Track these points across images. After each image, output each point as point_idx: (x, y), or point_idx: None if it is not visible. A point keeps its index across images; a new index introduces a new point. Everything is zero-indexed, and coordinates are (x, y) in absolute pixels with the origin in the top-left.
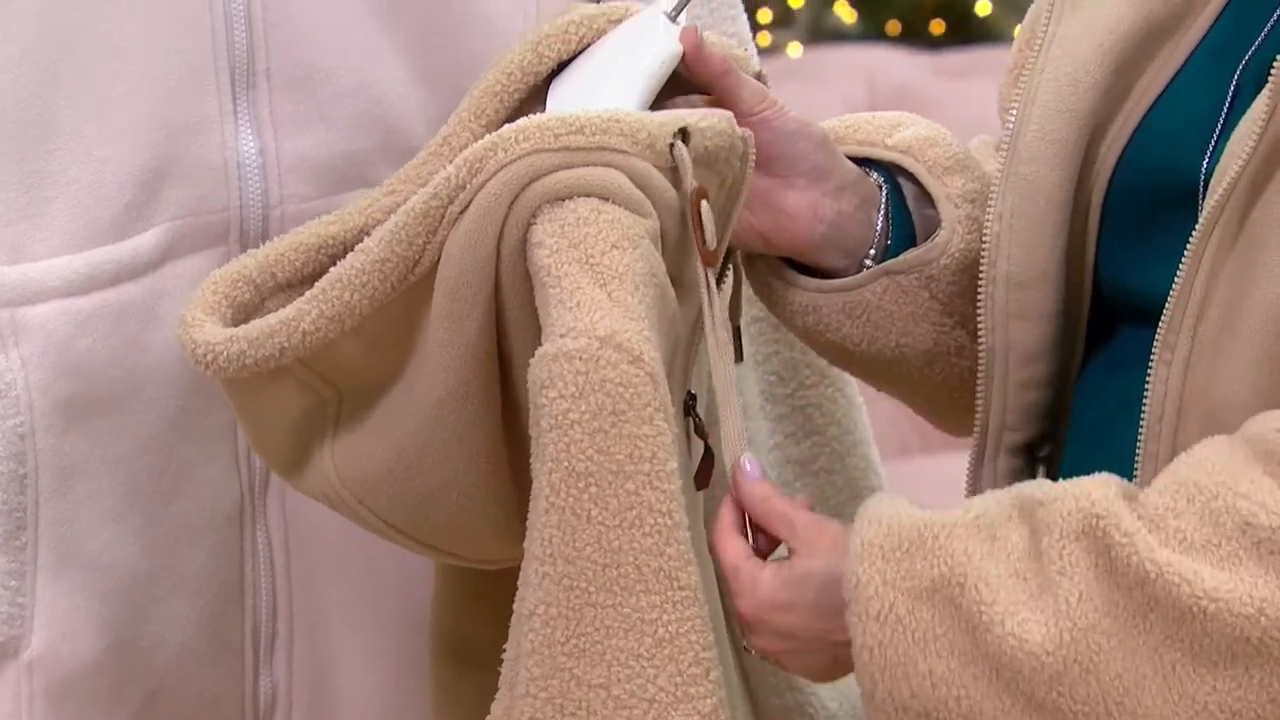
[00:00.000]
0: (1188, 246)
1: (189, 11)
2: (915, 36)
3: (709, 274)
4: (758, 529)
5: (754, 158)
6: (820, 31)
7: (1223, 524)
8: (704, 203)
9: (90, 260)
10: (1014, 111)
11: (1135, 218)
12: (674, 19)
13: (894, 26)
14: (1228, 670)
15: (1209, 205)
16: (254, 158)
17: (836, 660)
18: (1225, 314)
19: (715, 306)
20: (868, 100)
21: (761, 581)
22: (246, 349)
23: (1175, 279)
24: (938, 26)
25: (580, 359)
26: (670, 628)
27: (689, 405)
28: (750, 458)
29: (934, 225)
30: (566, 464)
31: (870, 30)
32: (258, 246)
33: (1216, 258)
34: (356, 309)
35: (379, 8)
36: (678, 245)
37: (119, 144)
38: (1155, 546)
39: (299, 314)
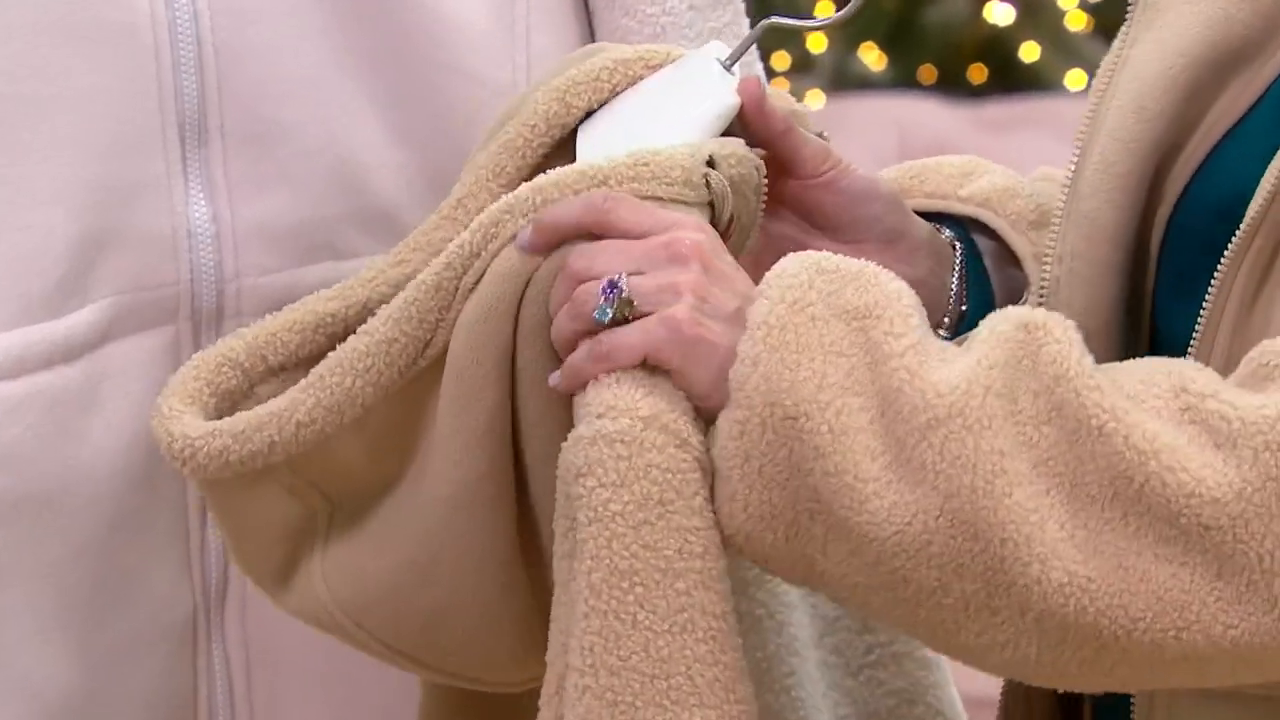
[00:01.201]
0: (1212, 281)
1: (131, 59)
2: (952, 85)
3: None
4: None
5: (766, 189)
6: (845, 79)
7: (1158, 383)
8: None
9: (20, 340)
10: (1080, 143)
11: (1189, 264)
12: (729, 68)
13: (928, 73)
14: (1097, 497)
15: (1239, 232)
16: (206, 225)
17: (729, 325)
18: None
19: None
20: (898, 155)
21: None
22: (231, 444)
23: (1198, 320)
24: (978, 73)
25: (622, 442)
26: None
27: None
28: None
29: (1018, 286)
30: (609, 562)
31: (901, 77)
32: (211, 325)
33: (1244, 296)
34: (359, 398)
35: (348, 55)
36: None
37: (51, 210)
38: (1088, 366)
39: (293, 404)
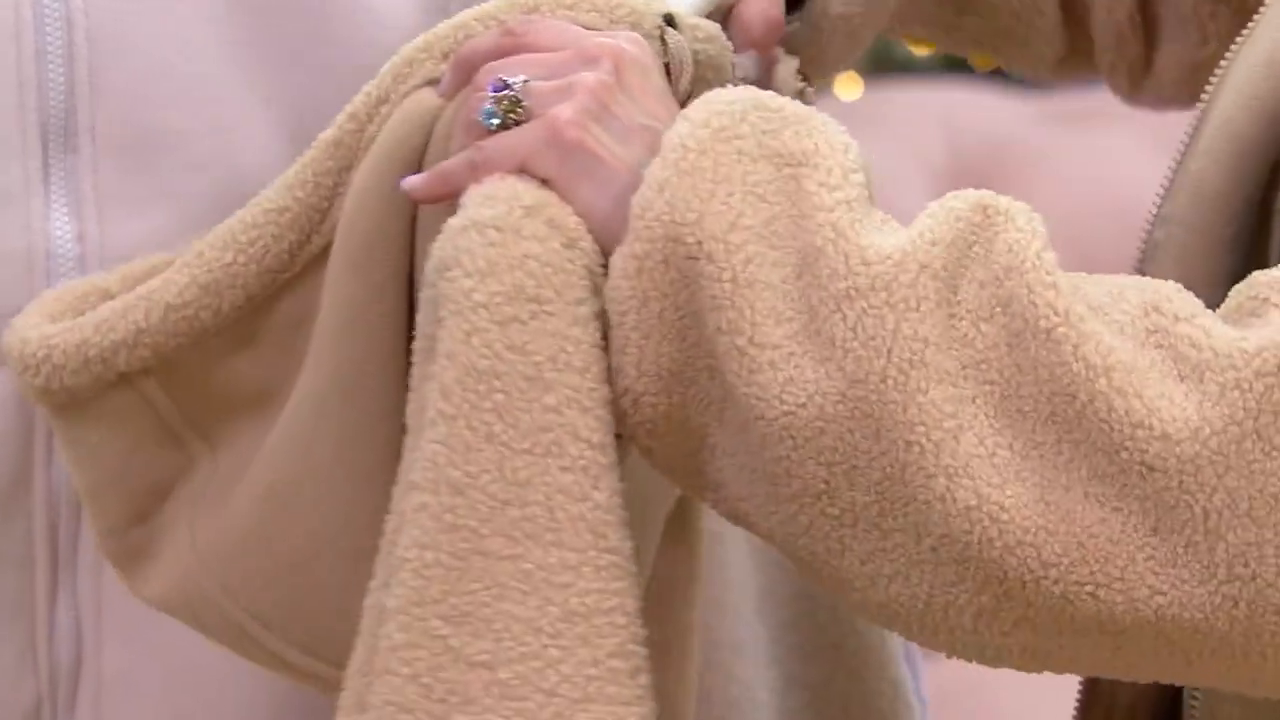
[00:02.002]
0: None
1: None
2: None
3: None
4: None
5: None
6: (885, 64)
7: (1128, 297)
8: None
9: None
10: (1205, 98)
11: None
12: None
13: (983, 58)
14: (1030, 413)
15: None
16: (69, 245)
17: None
18: None
19: None
20: (947, 155)
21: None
22: (91, 336)
23: None
24: None
25: (496, 228)
26: (588, 600)
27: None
28: None
29: None
30: (465, 359)
31: (952, 62)
32: None
33: None
34: (240, 279)
35: (249, 50)
36: None
37: None
38: (1047, 261)
39: (164, 284)
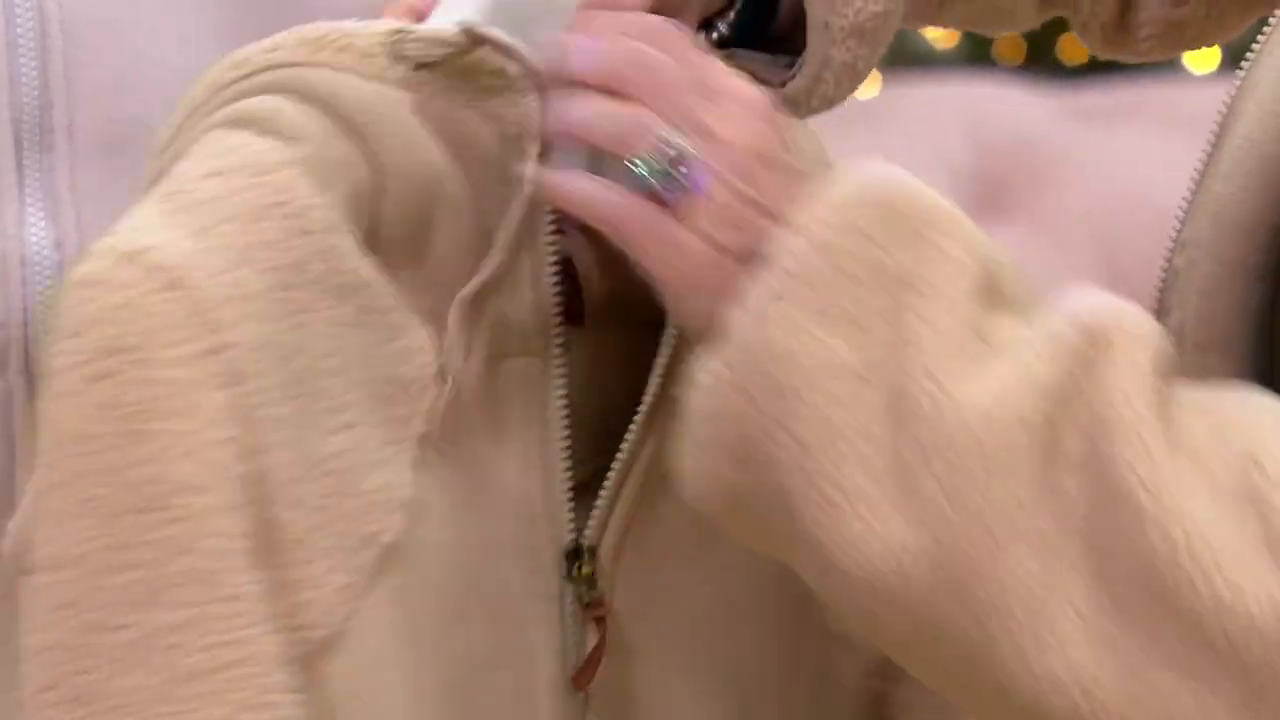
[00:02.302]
0: None
1: None
2: (1039, 65)
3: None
4: None
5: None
6: (904, 58)
7: (1233, 441)
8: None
9: None
10: (1223, 111)
11: None
12: None
13: (1010, 49)
14: (1123, 579)
15: None
16: (47, 252)
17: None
18: None
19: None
20: (968, 153)
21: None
22: None
23: None
24: (1073, 50)
25: (88, 284)
26: (209, 655)
27: (577, 550)
28: None
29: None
30: (58, 426)
31: (975, 55)
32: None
33: None
34: None
35: (236, 41)
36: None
37: None
38: (1144, 406)
39: None
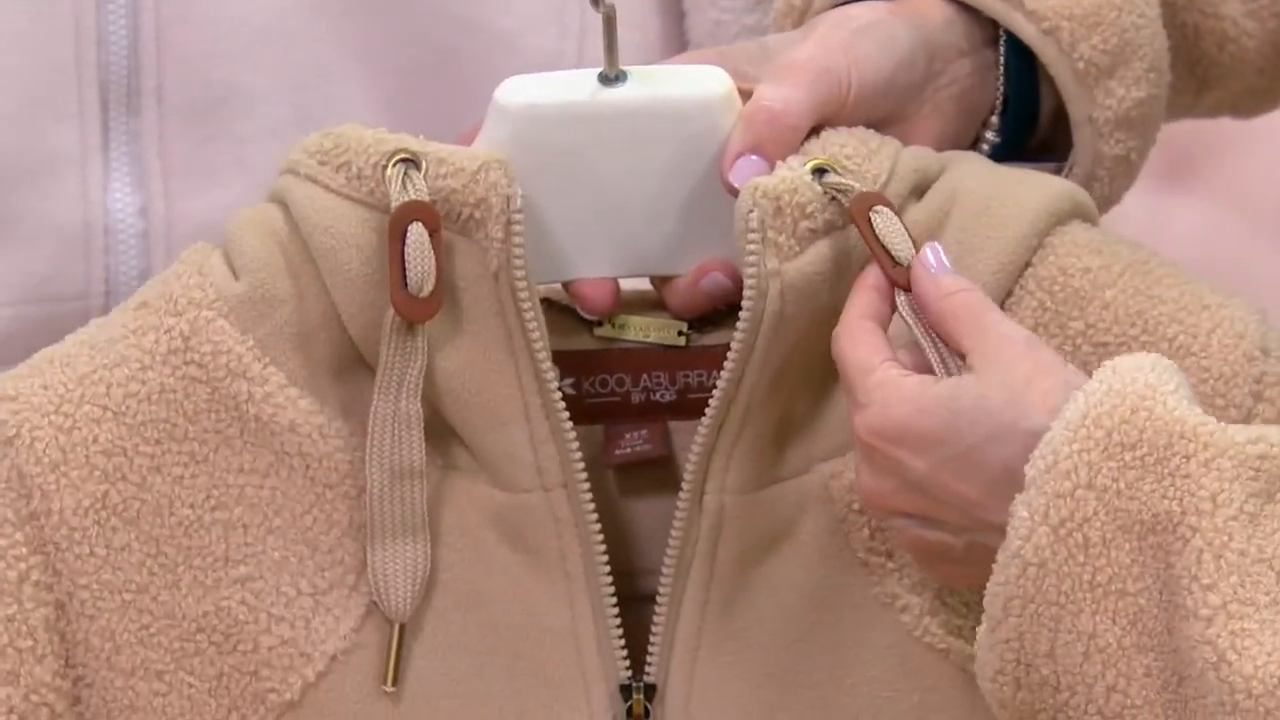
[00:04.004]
0: None
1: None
2: None
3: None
4: (914, 346)
5: (519, 221)
6: None
7: None
8: (419, 230)
9: None
10: None
11: None
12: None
13: None
14: None
15: None
16: (131, 220)
17: (968, 553)
18: None
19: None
20: None
21: (904, 390)
22: None
23: None
24: None
25: None
26: None
27: (633, 687)
28: (938, 246)
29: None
30: None
31: None
32: None
33: None
34: None
35: (331, 2)
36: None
37: None
38: None
39: None
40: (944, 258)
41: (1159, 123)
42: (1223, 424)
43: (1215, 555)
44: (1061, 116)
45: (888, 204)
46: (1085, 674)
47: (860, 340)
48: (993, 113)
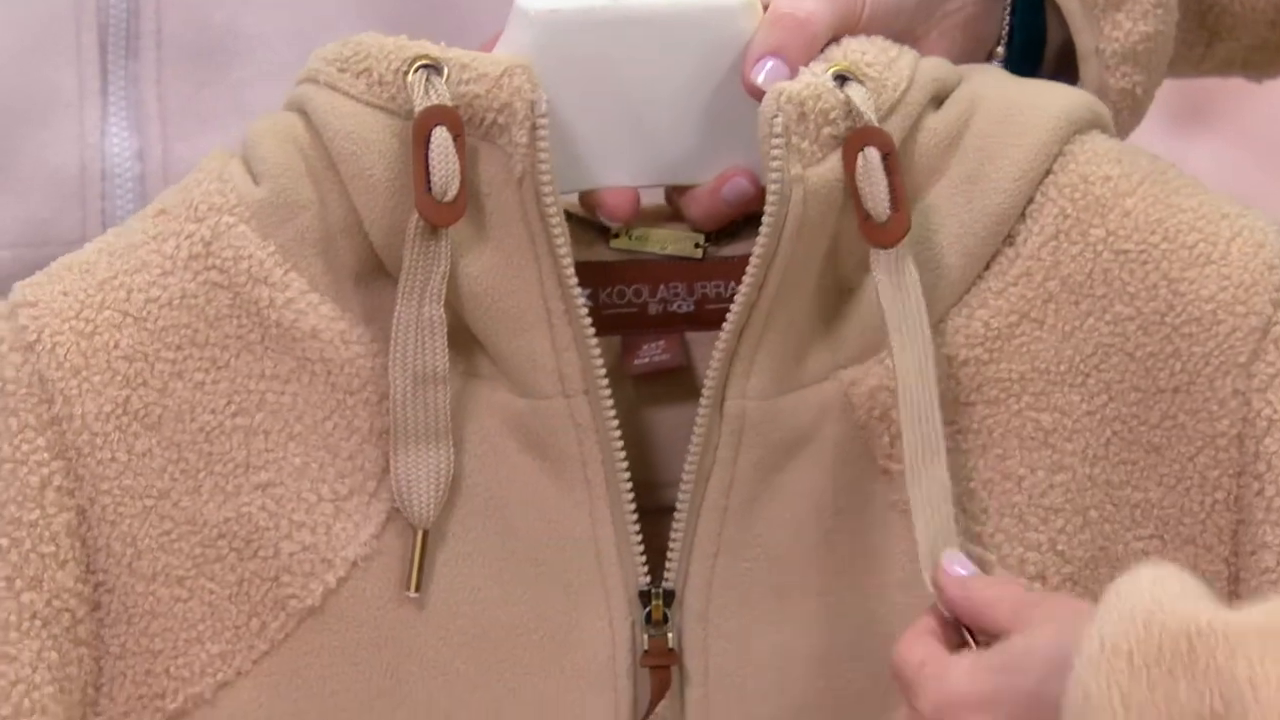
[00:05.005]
0: None
1: None
2: None
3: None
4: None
5: (544, 126)
6: None
7: None
8: (442, 134)
9: None
10: None
11: None
12: None
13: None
14: None
15: None
16: (129, 163)
17: None
18: None
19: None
20: None
21: (955, 669)
22: None
23: None
24: None
25: None
26: None
27: (651, 593)
28: (958, 556)
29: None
30: None
31: None
32: None
33: None
34: None
35: None
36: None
37: None
38: None
39: None
40: (968, 565)
41: (1165, 61)
42: (1235, 610)
43: None
44: (1066, 55)
45: (885, 143)
46: None
47: (911, 647)
48: (998, 43)
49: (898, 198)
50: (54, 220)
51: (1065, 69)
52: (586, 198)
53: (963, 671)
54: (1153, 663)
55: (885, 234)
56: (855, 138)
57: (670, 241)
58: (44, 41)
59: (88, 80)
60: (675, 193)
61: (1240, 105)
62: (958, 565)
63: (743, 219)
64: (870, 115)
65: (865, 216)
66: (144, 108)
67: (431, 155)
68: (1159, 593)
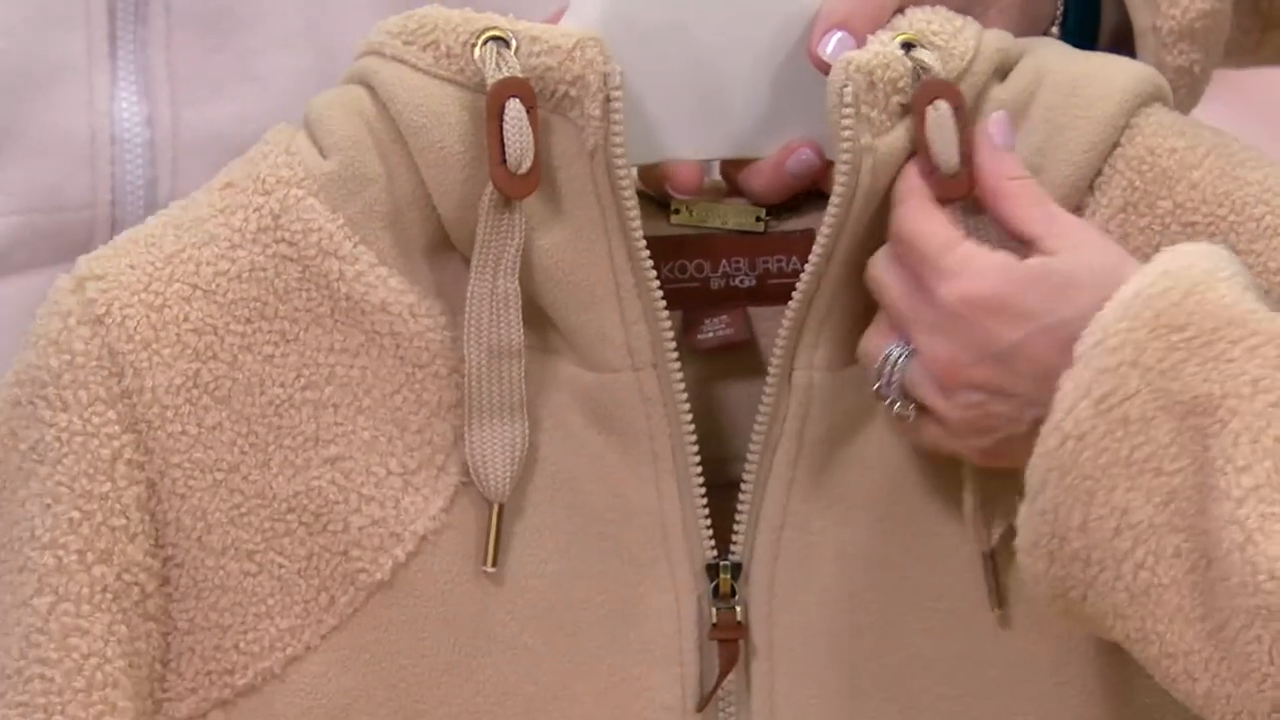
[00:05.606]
0: None
1: None
2: None
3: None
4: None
5: (618, 99)
6: None
7: None
8: (517, 106)
9: None
10: None
11: None
12: None
13: None
14: None
15: None
16: (137, 129)
17: (1031, 428)
18: None
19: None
20: None
21: (996, 262)
22: None
23: None
24: None
25: (47, 303)
26: (12, 714)
27: (719, 566)
28: (1005, 118)
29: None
30: None
31: None
32: None
33: None
34: None
35: None
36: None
37: None
38: None
39: None
40: (1009, 132)
41: (1222, 40)
42: (1275, 314)
43: (1252, 439)
44: (1120, 35)
45: (955, 96)
46: (1115, 549)
47: (934, 217)
48: (1052, 23)
49: (967, 152)
50: (64, 186)
51: (1120, 50)
52: (649, 171)
53: (1005, 274)
54: (1176, 329)
55: (953, 187)
56: (925, 91)
57: (731, 216)
58: (53, 7)
59: (96, 45)
60: (733, 167)
61: (1256, 74)
62: (1003, 128)
63: (803, 194)
64: (940, 71)
65: (932, 170)
66: (153, 73)
67: (506, 127)
68: (1210, 268)
